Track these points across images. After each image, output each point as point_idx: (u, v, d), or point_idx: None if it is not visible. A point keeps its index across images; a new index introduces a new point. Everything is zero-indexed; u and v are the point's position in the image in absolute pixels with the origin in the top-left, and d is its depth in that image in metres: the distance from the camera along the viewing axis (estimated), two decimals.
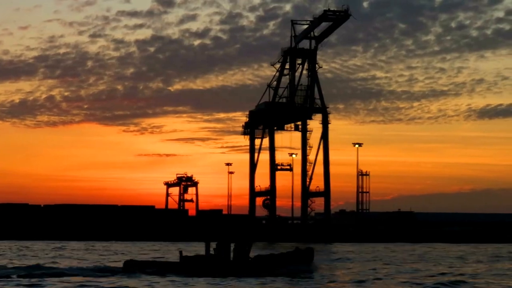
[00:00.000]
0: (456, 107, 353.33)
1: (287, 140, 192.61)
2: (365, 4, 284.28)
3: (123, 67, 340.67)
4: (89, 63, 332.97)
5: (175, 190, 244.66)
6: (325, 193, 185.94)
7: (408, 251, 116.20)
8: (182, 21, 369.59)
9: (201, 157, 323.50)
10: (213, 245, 61.40)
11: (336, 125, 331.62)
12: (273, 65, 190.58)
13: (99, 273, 60.73)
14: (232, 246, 62.55)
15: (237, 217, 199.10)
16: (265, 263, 63.71)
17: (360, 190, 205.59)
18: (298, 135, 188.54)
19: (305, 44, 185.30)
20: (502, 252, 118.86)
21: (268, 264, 63.82)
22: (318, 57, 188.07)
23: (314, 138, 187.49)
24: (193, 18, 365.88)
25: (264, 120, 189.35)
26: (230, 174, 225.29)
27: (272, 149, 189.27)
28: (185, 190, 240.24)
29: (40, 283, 53.07)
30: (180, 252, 63.64)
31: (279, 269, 62.65)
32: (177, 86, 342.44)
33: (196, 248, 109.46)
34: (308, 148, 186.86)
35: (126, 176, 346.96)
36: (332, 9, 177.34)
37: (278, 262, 64.64)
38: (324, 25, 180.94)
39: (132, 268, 61.83)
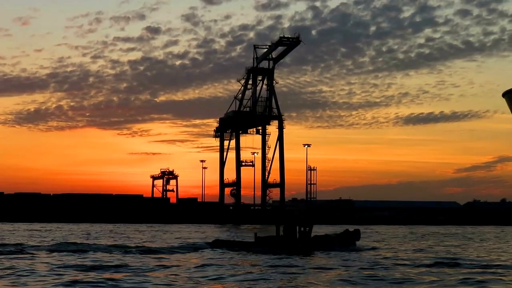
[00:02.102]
0: (386, 115, 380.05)
1: (250, 141, 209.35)
2: (313, 32, 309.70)
3: (118, 82, 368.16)
4: (91, 79, 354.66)
5: (159, 182, 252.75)
6: (281, 184, 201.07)
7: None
8: (166, 45, 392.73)
9: (180, 156, 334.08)
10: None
11: (290, 129, 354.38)
12: (239, 81, 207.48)
13: (191, 249, 61.76)
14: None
15: (209, 204, 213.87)
16: (323, 242, 64.69)
17: (309, 182, 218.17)
18: (259, 137, 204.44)
19: (264, 64, 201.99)
20: (418, 232, 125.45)
21: (325, 243, 64.69)
22: (275, 74, 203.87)
23: (272, 140, 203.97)
24: (175, 43, 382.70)
25: (231, 125, 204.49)
26: (204, 169, 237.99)
27: (238, 149, 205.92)
28: (167, 182, 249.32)
29: (158, 258, 53.01)
30: (255, 234, 65.11)
31: (334, 247, 63.36)
32: (162, 97, 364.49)
33: (177, 229, 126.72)
34: (267, 148, 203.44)
35: (119, 170, 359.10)
36: (286, 36, 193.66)
37: (333, 241, 65.62)
38: (280, 48, 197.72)
39: (219, 245, 64.15)
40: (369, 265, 49.49)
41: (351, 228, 69.97)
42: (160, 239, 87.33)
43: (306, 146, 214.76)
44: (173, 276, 40.69)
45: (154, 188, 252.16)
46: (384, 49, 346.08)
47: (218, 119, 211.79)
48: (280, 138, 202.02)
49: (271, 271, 43.88)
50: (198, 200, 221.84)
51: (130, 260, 50.35)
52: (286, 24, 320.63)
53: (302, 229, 63.17)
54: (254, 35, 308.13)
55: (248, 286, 37.09)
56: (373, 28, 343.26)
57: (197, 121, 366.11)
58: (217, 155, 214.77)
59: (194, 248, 63.45)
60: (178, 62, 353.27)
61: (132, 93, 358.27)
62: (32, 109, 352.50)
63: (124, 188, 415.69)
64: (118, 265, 46.34)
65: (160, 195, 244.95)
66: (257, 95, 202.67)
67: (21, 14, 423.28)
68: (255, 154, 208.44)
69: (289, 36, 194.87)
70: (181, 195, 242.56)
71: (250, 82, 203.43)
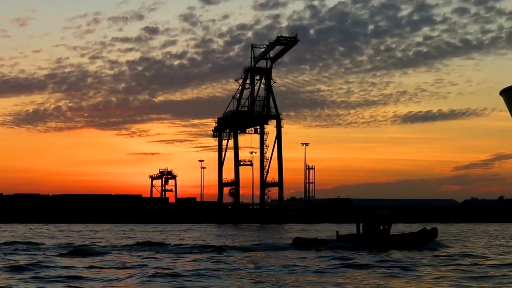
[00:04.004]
0: (385, 114, 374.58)
1: (248, 141, 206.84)
2: (311, 31, 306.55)
3: (116, 83, 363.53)
4: (89, 80, 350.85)
5: (158, 182, 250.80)
6: (279, 183, 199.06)
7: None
8: (164, 45, 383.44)
9: (179, 155, 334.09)
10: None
11: (288, 128, 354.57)
12: (237, 80, 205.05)
13: (273, 249, 60.15)
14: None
15: (208, 203, 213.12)
16: (402, 240, 64.32)
17: (307, 181, 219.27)
18: (257, 137, 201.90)
19: (262, 63, 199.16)
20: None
21: (404, 241, 64.30)
22: (273, 74, 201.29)
23: (270, 139, 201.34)
24: (173, 43, 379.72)
25: (230, 125, 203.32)
26: (202, 169, 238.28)
27: (236, 148, 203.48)
28: (166, 182, 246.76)
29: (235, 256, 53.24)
30: (337, 232, 65.50)
31: (413, 245, 63.14)
32: (160, 98, 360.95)
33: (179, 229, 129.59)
34: (265, 147, 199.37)
35: (118, 171, 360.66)
36: (284, 35, 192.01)
37: (412, 239, 65.29)
38: (278, 48, 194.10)
39: (301, 244, 62.95)
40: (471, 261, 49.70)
41: (428, 226, 69.88)
42: (218, 237, 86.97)
43: (304, 145, 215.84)
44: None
45: (153, 188, 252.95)
46: (382, 47, 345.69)
47: (216, 119, 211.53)
48: (278, 137, 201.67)
49: (396, 270, 43.15)
50: (197, 199, 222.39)
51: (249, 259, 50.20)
52: (284, 23, 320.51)
53: (381, 227, 63.58)
54: (252, 35, 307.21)
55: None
56: (371, 27, 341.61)
57: (196, 121, 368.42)
58: (215, 154, 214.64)
59: (275, 247, 62.48)
60: (176, 62, 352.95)
61: (131, 94, 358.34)
62: (31, 110, 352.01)
63: (123, 188, 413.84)
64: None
65: (159, 195, 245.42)
66: (255, 95, 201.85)
67: (19, 15, 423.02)
68: (254, 153, 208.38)
69: (287, 35, 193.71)
70: (180, 195, 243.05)
71: (248, 81, 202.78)
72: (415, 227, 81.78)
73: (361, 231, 63.58)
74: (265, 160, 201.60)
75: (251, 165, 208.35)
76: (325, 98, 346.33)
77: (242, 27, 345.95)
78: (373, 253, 55.26)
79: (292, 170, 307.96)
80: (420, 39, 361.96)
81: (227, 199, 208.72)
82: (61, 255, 54.26)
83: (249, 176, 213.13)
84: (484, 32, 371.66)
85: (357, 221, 64.13)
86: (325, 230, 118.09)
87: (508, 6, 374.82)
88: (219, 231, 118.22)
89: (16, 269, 42.53)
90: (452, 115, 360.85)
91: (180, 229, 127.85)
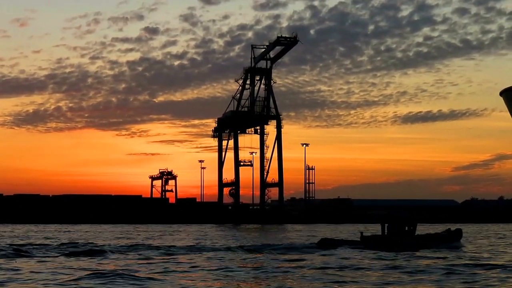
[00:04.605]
0: (385, 114, 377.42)
1: (248, 141, 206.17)
2: (311, 32, 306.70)
3: (116, 83, 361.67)
4: (89, 80, 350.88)
5: (158, 183, 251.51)
6: (279, 184, 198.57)
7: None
8: (164, 45, 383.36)
9: (179, 156, 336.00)
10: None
11: (288, 129, 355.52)
12: (237, 81, 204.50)
13: (297, 250, 59.23)
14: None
15: (208, 204, 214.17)
16: (427, 241, 63.90)
17: (307, 181, 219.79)
18: (257, 137, 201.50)
19: (262, 64, 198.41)
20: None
21: (429, 241, 63.92)
22: (274, 74, 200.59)
23: (270, 139, 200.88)
24: (173, 43, 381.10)
25: (230, 125, 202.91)
26: (202, 169, 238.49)
27: (236, 148, 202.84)
28: (166, 182, 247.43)
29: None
30: (361, 233, 64.74)
31: (438, 245, 62.56)
32: (160, 98, 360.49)
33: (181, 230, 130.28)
34: (265, 147, 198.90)
35: (118, 171, 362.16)
36: (284, 36, 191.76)
37: (437, 240, 64.83)
38: (278, 48, 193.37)
39: (326, 245, 62.10)
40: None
41: (453, 227, 69.29)
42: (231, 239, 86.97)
43: (304, 145, 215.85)
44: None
45: (153, 188, 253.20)
46: (382, 48, 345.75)
47: (216, 119, 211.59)
48: (279, 138, 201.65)
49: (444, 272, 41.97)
50: (197, 200, 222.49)
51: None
52: (284, 23, 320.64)
53: (406, 228, 63.08)
54: (253, 35, 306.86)
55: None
56: (371, 27, 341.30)
57: (196, 121, 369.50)
58: (215, 155, 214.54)
59: (302, 248, 61.53)
60: (176, 63, 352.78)
61: (131, 94, 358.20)
62: (31, 111, 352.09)
63: (123, 188, 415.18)
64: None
65: (159, 195, 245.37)
66: (255, 95, 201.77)
67: (19, 16, 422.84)
68: (254, 154, 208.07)
69: (287, 35, 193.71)
70: (180, 195, 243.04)
71: (248, 82, 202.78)
72: (436, 228, 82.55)
73: (385, 232, 63.32)
74: (265, 160, 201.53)
75: (251, 165, 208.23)
76: (325, 98, 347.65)
77: (242, 27, 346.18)
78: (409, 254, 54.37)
79: (292, 171, 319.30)
80: (420, 40, 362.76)
81: (227, 199, 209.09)
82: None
83: (249, 176, 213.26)
84: (485, 33, 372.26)
85: (382, 222, 63.81)
86: (326, 231, 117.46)
87: (508, 6, 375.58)
88: (230, 232, 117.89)
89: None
90: (452, 115, 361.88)
91: (180, 229, 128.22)
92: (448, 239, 65.37)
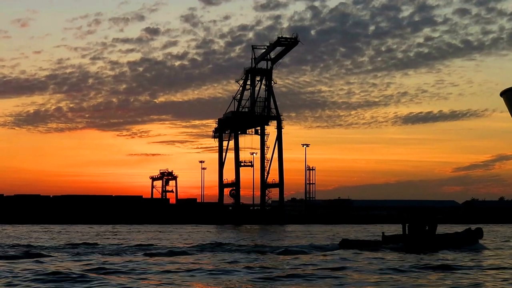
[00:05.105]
0: (385, 115, 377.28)
1: (249, 142, 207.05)
2: (312, 32, 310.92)
3: (117, 84, 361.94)
4: (90, 81, 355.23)
5: (158, 183, 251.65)
6: (280, 184, 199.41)
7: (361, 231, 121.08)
8: (165, 46, 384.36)
9: (180, 156, 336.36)
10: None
11: (289, 129, 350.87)
12: (237, 81, 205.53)
13: (317, 250, 58.78)
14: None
15: (209, 204, 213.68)
16: (447, 241, 63.67)
17: (307, 182, 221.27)
18: (257, 138, 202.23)
19: (263, 64, 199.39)
20: None
21: (450, 241, 63.63)
22: (275, 75, 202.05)
23: (271, 140, 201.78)
24: (174, 43, 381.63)
25: (230, 126, 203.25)
26: (203, 170, 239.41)
27: (236, 149, 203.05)
28: (166, 183, 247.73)
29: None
30: (383, 233, 65.06)
31: (459, 245, 62.27)
32: (161, 98, 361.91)
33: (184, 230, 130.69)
34: (265, 148, 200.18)
35: (119, 172, 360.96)
36: (284, 36, 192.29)
37: (457, 239, 64.45)
38: (278, 49, 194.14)
39: (347, 245, 62.04)
40: None
41: (473, 226, 68.65)
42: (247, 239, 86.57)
43: (304, 146, 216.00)
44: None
45: (154, 189, 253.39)
46: (383, 48, 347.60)
47: (217, 120, 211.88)
48: (279, 138, 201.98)
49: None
50: (198, 200, 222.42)
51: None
52: (285, 24, 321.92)
53: (427, 227, 63.06)
54: (253, 36, 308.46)
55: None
56: (372, 28, 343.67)
57: (197, 122, 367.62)
58: (216, 155, 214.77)
59: (322, 248, 61.18)
60: (177, 63, 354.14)
61: (132, 94, 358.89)
62: (32, 111, 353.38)
63: (123, 189, 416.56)
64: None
65: (159, 196, 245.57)
66: (255, 96, 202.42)
67: (20, 16, 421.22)
68: (254, 154, 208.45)
69: (288, 36, 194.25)
70: (181, 195, 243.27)
71: (249, 82, 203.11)
72: (455, 228, 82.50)
73: (406, 232, 63.14)
74: (265, 161, 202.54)
75: (252, 166, 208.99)
76: (326, 99, 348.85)
77: (243, 28, 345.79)
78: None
79: (293, 171, 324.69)
80: (421, 40, 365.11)
81: (228, 200, 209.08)
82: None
83: (249, 177, 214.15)
84: (485, 33, 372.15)
85: (403, 222, 63.46)
86: (329, 231, 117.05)
87: (509, 7, 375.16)
88: (241, 233, 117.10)
89: None
90: (453, 116, 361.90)
91: (185, 230, 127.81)
92: (468, 239, 64.62)
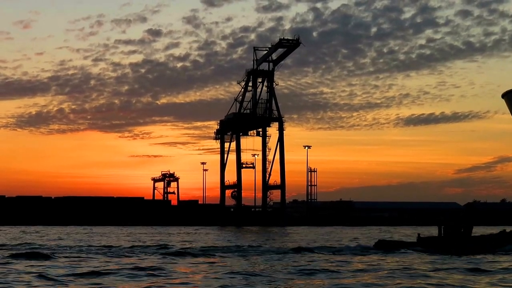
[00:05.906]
0: (387, 116, 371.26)
1: (251, 143, 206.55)
2: (314, 34, 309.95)
3: (119, 85, 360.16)
4: (92, 82, 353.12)
5: (160, 185, 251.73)
6: (281, 186, 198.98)
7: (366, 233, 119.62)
8: (167, 47, 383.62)
9: (181, 158, 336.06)
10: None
11: (290, 131, 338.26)
12: (239, 83, 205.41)
13: (358, 251, 59.82)
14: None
15: (210, 206, 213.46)
16: (482, 243, 63.68)
17: (309, 184, 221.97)
18: (259, 139, 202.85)
19: (264, 66, 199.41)
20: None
21: (485, 243, 63.59)
22: (277, 76, 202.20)
23: (272, 142, 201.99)
24: (176, 45, 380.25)
25: (232, 127, 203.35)
26: (204, 171, 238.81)
27: (238, 151, 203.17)
28: (168, 184, 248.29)
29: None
30: (418, 234, 65.85)
31: (494, 248, 61.89)
32: (163, 100, 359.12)
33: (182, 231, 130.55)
34: (267, 150, 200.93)
35: (121, 173, 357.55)
36: (286, 38, 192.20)
37: (493, 242, 64.31)
38: (280, 50, 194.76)
39: (383, 246, 62.92)
40: None
41: (508, 228, 69.04)
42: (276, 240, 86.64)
43: (306, 147, 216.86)
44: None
45: (155, 190, 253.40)
46: (385, 50, 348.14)
47: (218, 121, 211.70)
48: (281, 140, 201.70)
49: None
50: (199, 202, 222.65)
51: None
52: (287, 25, 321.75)
53: (462, 229, 63.37)
54: (255, 37, 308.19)
55: None
56: (374, 29, 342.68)
57: (198, 123, 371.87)
58: (218, 157, 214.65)
59: (359, 249, 62.36)
60: (179, 65, 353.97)
61: (134, 96, 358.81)
62: (34, 112, 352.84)
63: (125, 190, 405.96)
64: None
65: (161, 197, 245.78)
66: (257, 97, 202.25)
67: (22, 18, 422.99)
68: (256, 156, 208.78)
69: (290, 38, 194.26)
70: (182, 197, 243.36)
71: (251, 84, 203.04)
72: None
73: (442, 234, 63.81)
74: (267, 162, 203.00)
75: (253, 167, 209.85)
76: (328, 100, 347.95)
77: (245, 29, 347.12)
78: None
79: (295, 173, 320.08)
80: (423, 42, 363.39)
81: (229, 201, 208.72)
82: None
83: (251, 178, 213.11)
84: (487, 35, 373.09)
85: (439, 224, 64.01)
86: (330, 233, 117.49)
87: (511, 8, 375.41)
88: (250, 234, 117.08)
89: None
90: (455, 117, 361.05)
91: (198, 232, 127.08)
92: (503, 242, 64.63)
